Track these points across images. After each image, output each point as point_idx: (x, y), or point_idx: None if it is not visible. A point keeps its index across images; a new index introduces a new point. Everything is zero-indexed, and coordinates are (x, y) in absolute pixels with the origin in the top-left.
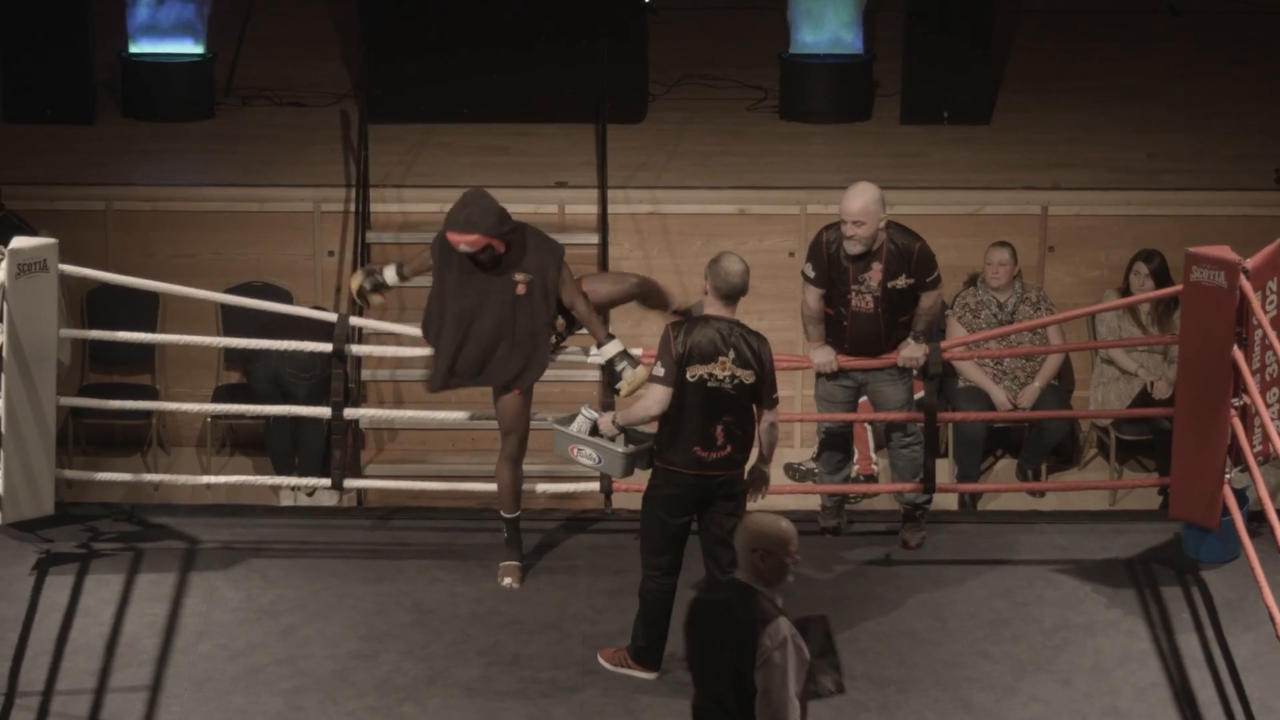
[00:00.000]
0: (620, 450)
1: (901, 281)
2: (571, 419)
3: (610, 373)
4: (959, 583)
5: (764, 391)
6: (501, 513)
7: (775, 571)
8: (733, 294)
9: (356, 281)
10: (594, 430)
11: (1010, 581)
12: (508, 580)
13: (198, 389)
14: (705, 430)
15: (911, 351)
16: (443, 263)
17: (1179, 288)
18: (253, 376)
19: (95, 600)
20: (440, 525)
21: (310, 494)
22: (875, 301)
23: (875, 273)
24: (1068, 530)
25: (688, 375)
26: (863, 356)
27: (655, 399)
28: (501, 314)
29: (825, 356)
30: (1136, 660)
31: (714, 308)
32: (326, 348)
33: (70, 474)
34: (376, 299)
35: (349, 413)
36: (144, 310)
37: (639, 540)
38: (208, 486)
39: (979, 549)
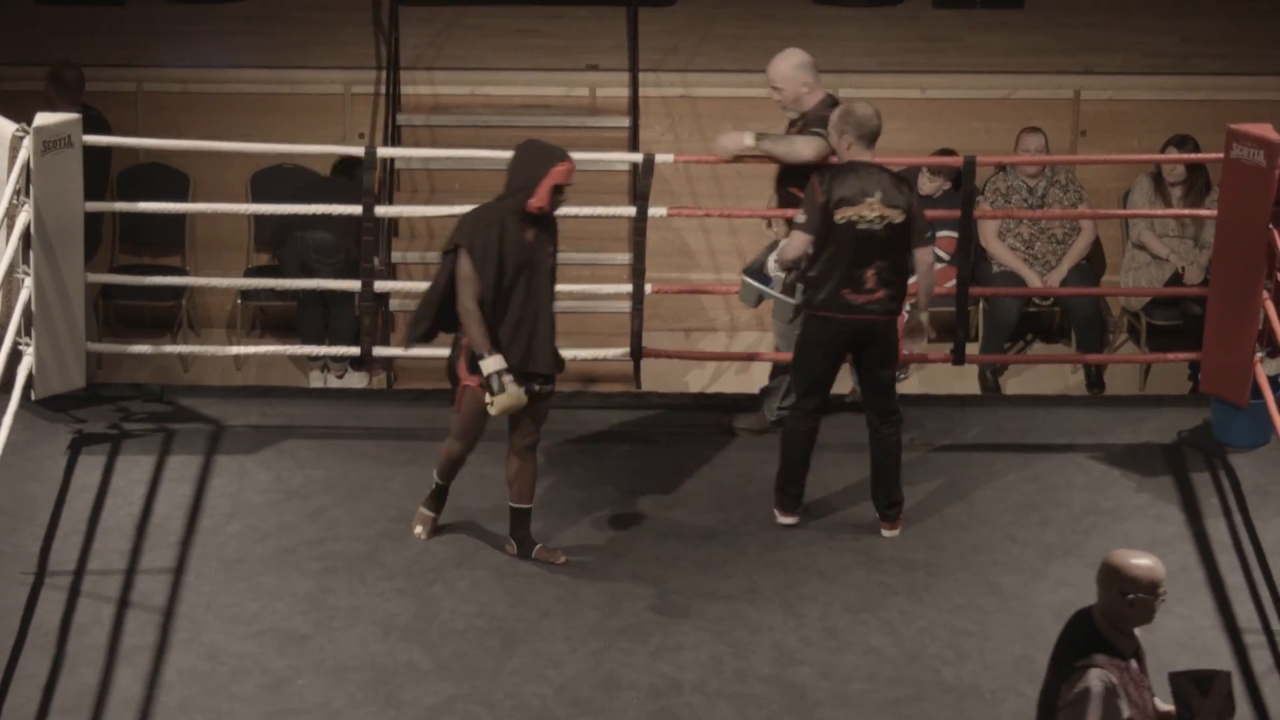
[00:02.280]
0: (792, 301)
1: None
2: (761, 267)
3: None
4: (987, 466)
5: (914, 230)
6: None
7: (1142, 614)
8: (873, 136)
9: (504, 403)
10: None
11: (1039, 466)
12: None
13: (228, 271)
14: (855, 273)
15: None
16: (490, 238)
17: (1217, 155)
18: (281, 262)
19: (125, 480)
20: None
21: (340, 376)
22: None
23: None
24: (1097, 414)
25: (836, 218)
26: None
27: (795, 245)
28: (540, 288)
29: (734, 142)
30: (1165, 545)
31: (856, 153)
32: (356, 210)
33: (100, 348)
34: (514, 393)
35: (379, 285)
36: (174, 190)
37: (790, 379)
38: (237, 364)
39: (1008, 433)
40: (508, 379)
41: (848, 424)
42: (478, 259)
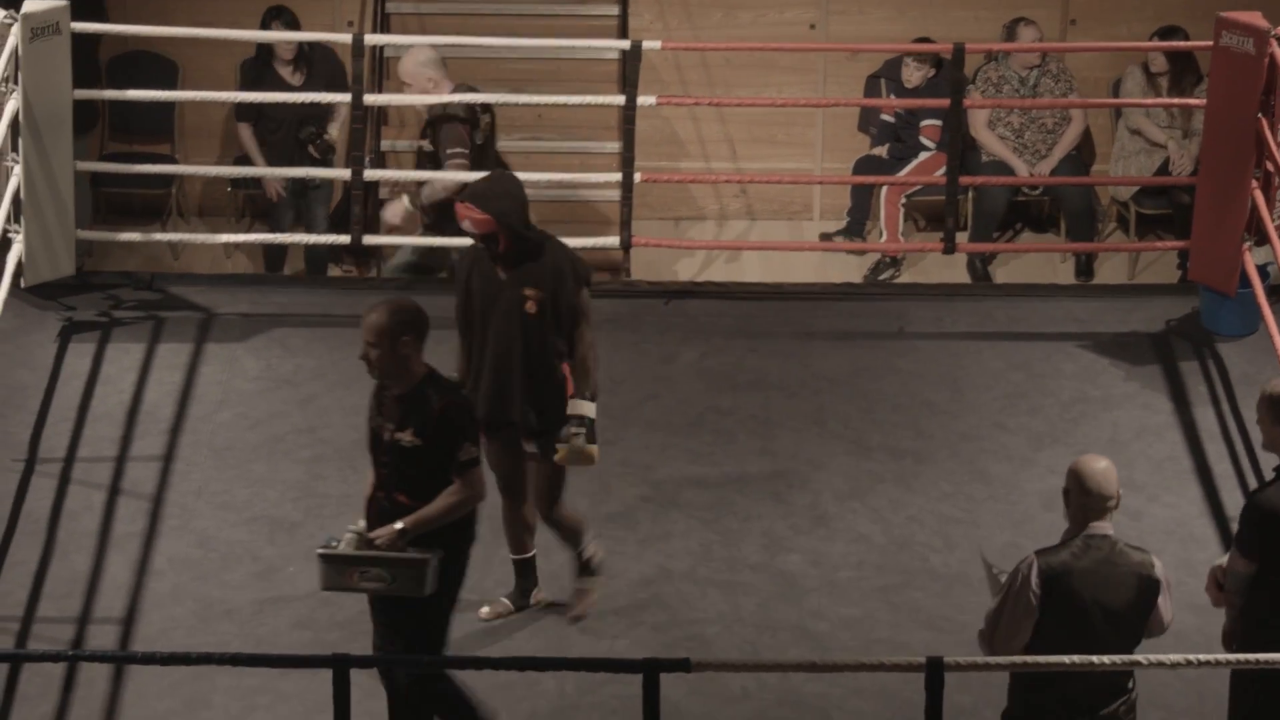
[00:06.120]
0: (419, 555)
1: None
2: (337, 544)
3: (573, 432)
4: (976, 355)
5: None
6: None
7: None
8: None
9: None
10: (365, 545)
11: (1028, 354)
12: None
13: (217, 159)
14: None
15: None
16: (462, 267)
17: (1206, 44)
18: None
19: (116, 368)
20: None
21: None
22: None
23: None
24: (1086, 303)
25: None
26: None
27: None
28: (510, 335)
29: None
30: (1153, 433)
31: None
32: (344, 98)
33: (90, 235)
34: None
35: (368, 174)
36: (163, 78)
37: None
38: (227, 251)
39: (997, 321)
40: None
41: (834, 311)
42: (455, 288)
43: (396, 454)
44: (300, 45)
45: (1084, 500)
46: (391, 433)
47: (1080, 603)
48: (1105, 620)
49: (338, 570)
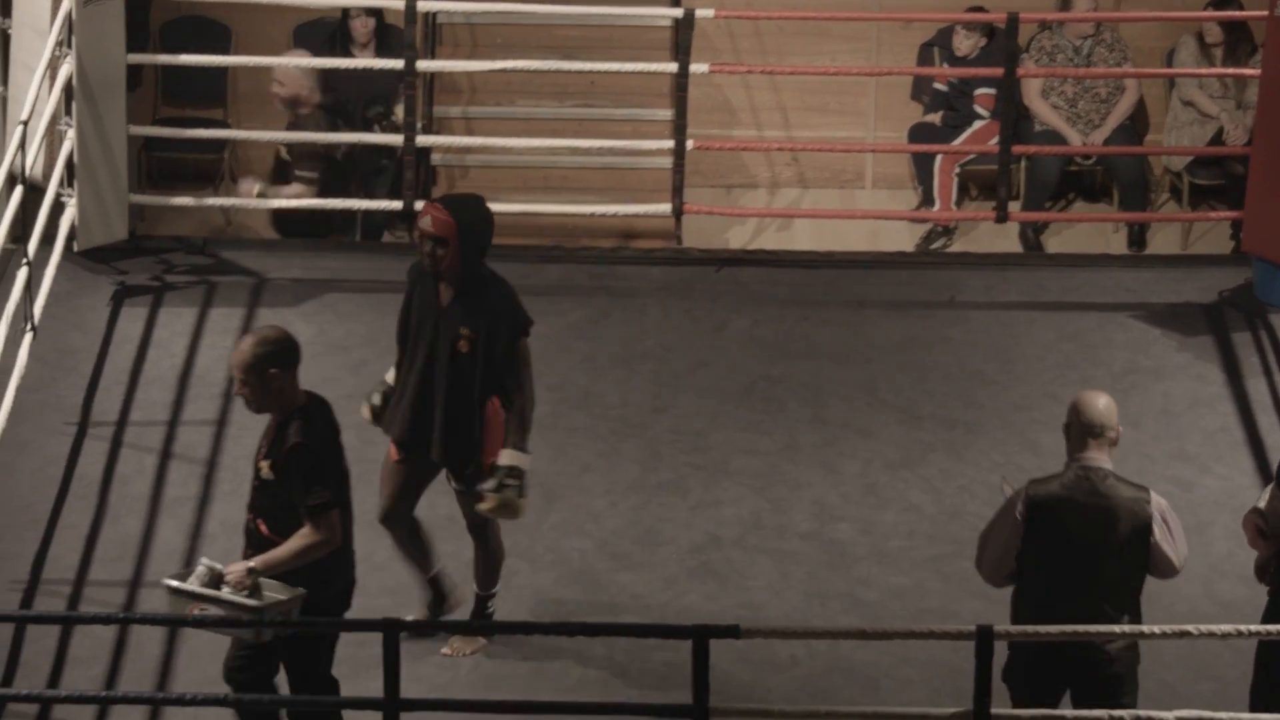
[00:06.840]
0: (253, 603)
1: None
2: (188, 574)
3: (501, 483)
4: (1028, 325)
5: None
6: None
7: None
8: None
9: (367, 414)
10: (216, 583)
11: (1080, 324)
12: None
13: (270, 124)
14: None
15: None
16: (411, 287)
17: (1262, 13)
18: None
19: (168, 332)
20: (510, 261)
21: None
22: None
23: None
24: (1138, 273)
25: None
26: None
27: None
28: (436, 366)
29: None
30: (1205, 404)
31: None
32: (397, 64)
33: (143, 200)
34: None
35: (421, 140)
36: (216, 43)
37: None
38: (273, 219)
39: (1049, 291)
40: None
41: (886, 280)
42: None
43: (259, 480)
44: (378, 27)
45: (1081, 430)
46: (259, 457)
47: (1064, 533)
48: (1091, 552)
49: (180, 603)
